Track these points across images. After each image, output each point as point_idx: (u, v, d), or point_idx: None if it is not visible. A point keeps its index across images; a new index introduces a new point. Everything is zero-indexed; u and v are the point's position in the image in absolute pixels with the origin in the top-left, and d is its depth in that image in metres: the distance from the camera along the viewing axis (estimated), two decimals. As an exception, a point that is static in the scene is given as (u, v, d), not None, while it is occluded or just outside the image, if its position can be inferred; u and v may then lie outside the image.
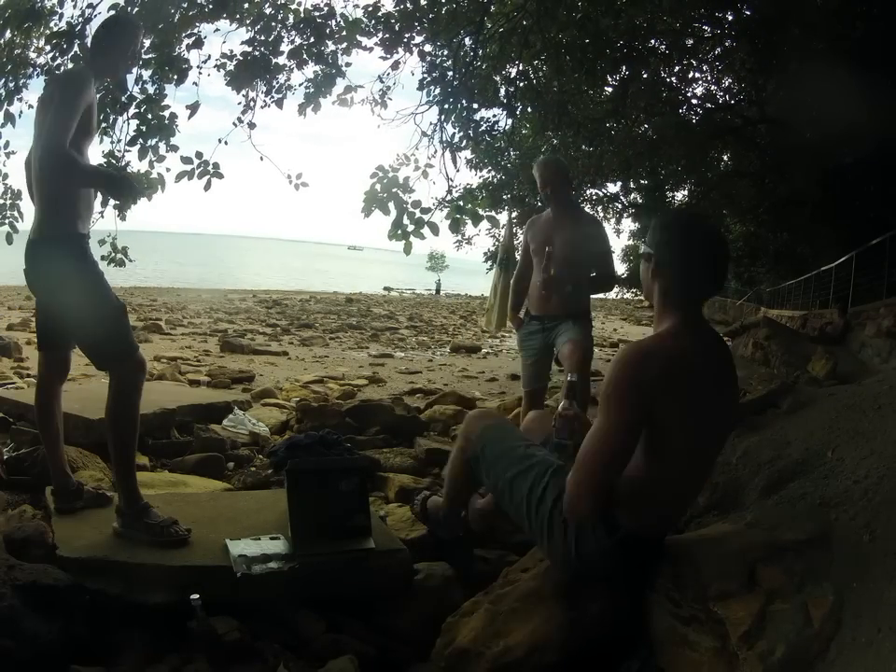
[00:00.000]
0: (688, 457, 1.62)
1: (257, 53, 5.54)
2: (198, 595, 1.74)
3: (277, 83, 5.75)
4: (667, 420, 1.55)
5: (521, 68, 7.28)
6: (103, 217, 4.94)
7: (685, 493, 1.77)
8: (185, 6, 5.02)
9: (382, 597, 2.07)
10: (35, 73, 5.00)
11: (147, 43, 4.83)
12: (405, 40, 5.86)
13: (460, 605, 1.87)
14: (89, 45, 2.51)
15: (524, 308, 3.56)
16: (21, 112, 4.94)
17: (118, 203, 4.83)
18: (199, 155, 4.93)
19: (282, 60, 5.66)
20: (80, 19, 4.82)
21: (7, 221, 5.19)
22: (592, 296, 3.43)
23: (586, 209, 13.94)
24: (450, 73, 6.18)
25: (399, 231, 4.68)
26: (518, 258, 3.84)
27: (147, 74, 5.18)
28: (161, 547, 1.99)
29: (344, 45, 5.76)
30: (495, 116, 7.85)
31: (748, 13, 8.98)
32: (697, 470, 1.73)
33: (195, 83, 5.31)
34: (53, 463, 2.27)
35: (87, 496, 2.27)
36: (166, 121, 5.09)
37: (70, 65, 4.79)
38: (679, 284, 1.65)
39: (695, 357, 1.59)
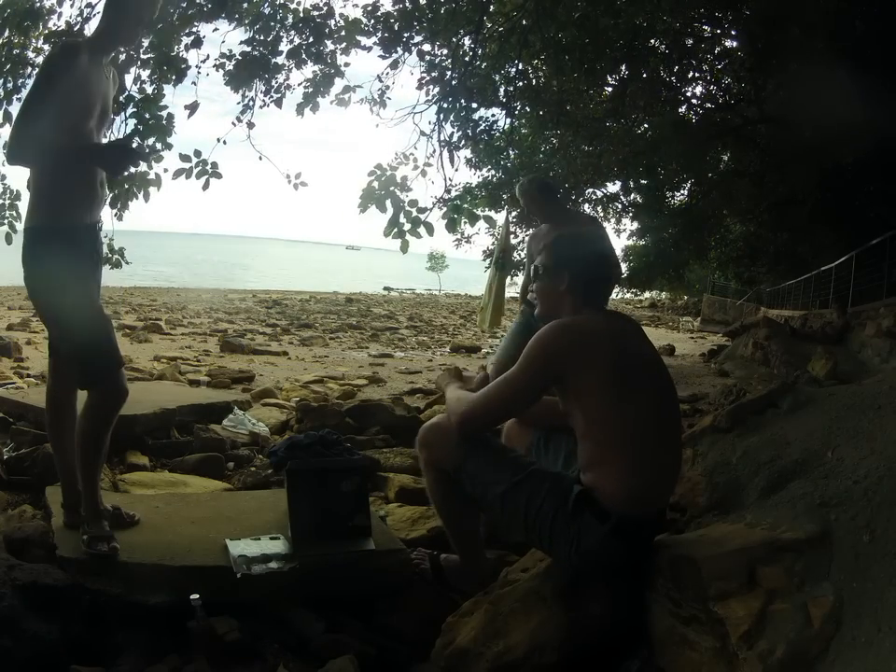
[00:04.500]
0: (633, 420, 1.72)
1: (256, 53, 5.54)
2: (198, 595, 1.74)
3: (276, 83, 5.77)
4: (584, 384, 1.75)
5: (520, 68, 7.30)
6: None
7: (653, 462, 1.74)
8: (184, 5, 5.03)
9: (382, 597, 2.07)
10: (34, 72, 4.99)
11: (145, 43, 4.83)
12: (404, 40, 5.87)
13: (460, 605, 1.88)
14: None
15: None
16: (19, 112, 4.93)
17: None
18: (197, 153, 4.89)
19: (281, 59, 5.68)
20: (79, 18, 4.83)
21: (6, 221, 5.18)
22: None
23: (586, 209, 13.92)
24: (449, 72, 6.19)
25: (396, 230, 4.67)
26: (515, 257, 3.90)
27: (145, 74, 5.19)
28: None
29: (343, 45, 5.78)
30: (494, 115, 7.86)
31: (748, 13, 8.98)
32: (655, 437, 1.76)
33: (194, 83, 5.32)
34: (65, 478, 2.11)
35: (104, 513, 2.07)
36: (164, 122, 5.08)
37: None
38: (589, 289, 1.90)
39: (610, 332, 1.82)
